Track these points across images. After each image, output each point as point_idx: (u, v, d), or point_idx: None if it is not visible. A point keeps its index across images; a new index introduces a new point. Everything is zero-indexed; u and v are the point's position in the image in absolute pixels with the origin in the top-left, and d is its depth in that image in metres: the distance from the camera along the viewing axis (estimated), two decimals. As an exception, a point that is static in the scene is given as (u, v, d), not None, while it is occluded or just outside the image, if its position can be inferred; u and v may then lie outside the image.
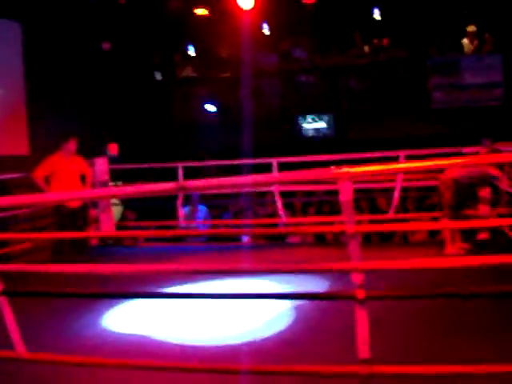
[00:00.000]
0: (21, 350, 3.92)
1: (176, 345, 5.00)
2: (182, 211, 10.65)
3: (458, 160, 3.66)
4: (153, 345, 5.04)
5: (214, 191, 10.29)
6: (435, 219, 9.65)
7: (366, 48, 14.73)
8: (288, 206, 10.93)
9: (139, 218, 11.68)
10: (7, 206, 6.54)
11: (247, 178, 4.04)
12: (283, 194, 10.28)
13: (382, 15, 14.29)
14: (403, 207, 10.68)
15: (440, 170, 7.60)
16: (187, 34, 14.93)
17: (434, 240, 9.33)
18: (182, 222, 10.61)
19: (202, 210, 11.14)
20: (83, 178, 8.64)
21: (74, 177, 8.46)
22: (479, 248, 7.81)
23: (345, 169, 3.28)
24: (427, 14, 13.65)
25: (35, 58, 10.51)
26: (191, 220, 10.93)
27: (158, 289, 6.03)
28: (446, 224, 7.96)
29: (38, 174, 8.29)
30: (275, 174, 8.99)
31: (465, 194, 7.78)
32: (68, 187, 8.23)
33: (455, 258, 6.72)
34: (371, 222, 9.69)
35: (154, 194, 4.49)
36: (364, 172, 3.46)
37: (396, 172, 8.83)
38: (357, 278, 3.28)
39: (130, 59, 14.00)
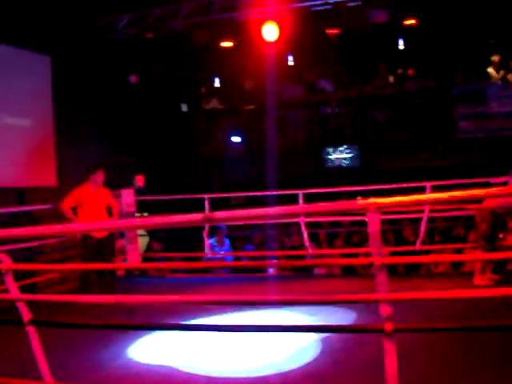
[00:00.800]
0: (48, 379, 3.93)
1: (202, 376, 4.98)
2: (208, 242, 10.65)
3: (489, 190, 3.63)
4: (178, 376, 5.02)
5: (238, 222, 10.26)
6: (461, 250, 9.57)
7: (391, 78, 14.74)
8: (314, 237, 10.86)
9: (165, 248, 11.70)
10: (35, 235, 6.61)
11: (274, 209, 4.04)
12: (309, 225, 10.24)
13: (406, 45, 14.30)
14: (430, 238, 10.57)
15: (468, 201, 7.53)
16: (213, 66, 15.07)
17: (458, 271, 9.25)
18: (207, 253, 10.61)
19: (226, 241, 11.13)
20: (109, 210, 8.70)
21: (100, 208, 8.51)
22: (509, 279, 7.70)
23: (371, 200, 3.27)
24: (452, 44, 13.63)
25: (64, 90, 10.68)
26: (217, 251, 10.91)
27: (184, 320, 6.02)
28: (476, 255, 7.87)
29: (66, 204, 8.35)
30: (302, 206, 8.98)
31: (498, 225, 7.71)
32: (95, 218, 8.27)
33: (486, 289, 6.61)
34: (398, 253, 9.60)
35: (181, 225, 4.52)
36: (391, 203, 3.44)
37: (423, 203, 8.76)
38: (385, 311, 3.24)
39: (156, 92, 14.17)
